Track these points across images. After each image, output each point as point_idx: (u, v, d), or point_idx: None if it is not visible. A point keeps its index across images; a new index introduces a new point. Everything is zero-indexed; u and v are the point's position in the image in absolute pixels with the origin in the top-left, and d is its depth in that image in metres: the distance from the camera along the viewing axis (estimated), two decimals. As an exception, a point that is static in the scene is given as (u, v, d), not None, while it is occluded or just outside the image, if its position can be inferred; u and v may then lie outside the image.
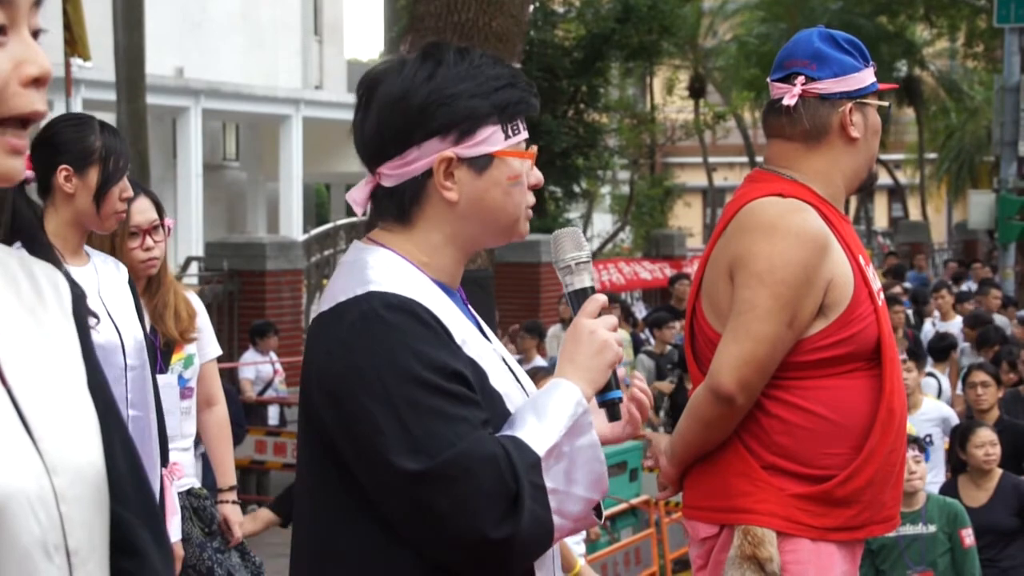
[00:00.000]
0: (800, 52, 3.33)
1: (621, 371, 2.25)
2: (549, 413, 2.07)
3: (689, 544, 3.42)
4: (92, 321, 3.51)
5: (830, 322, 3.19)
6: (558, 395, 2.10)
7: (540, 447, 2.03)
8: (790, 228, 3.17)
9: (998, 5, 18.44)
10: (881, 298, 3.29)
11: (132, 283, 3.97)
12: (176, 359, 4.49)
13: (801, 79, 3.31)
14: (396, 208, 2.17)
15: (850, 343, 3.19)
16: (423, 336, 2.04)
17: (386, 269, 2.12)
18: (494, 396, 2.11)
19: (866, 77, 3.32)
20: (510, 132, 2.16)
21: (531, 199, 2.21)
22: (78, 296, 1.69)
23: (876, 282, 3.32)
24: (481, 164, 2.14)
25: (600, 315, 2.21)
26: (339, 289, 2.11)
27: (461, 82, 2.13)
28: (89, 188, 3.72)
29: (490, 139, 2.14)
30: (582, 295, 2.25)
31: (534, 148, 2.23)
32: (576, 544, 6.06)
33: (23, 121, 1.51)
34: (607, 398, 2.21)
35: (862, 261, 3.26)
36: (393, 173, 2.16)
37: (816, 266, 3.16)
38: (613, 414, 2.22)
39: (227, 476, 4.86)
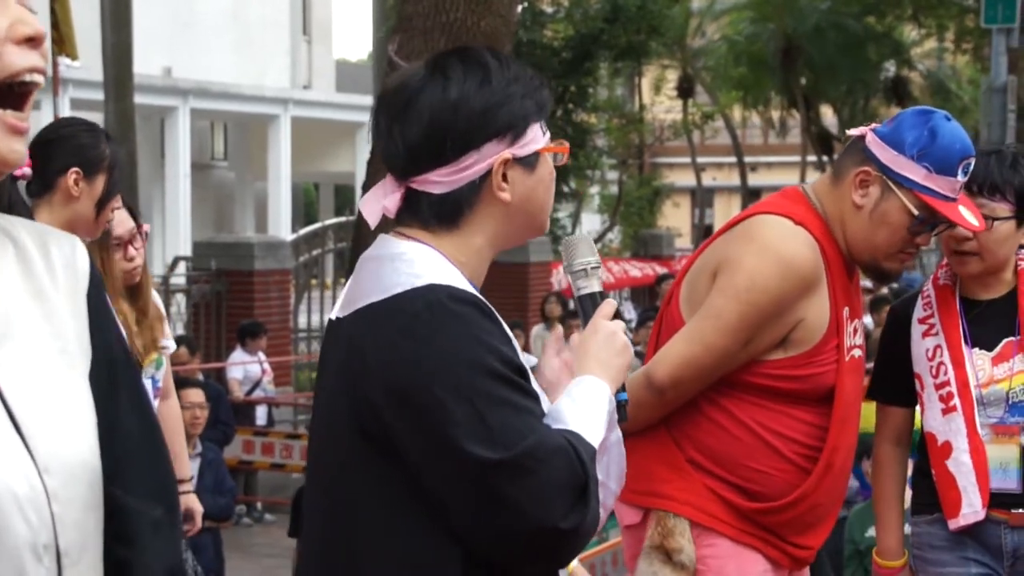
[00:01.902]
0: (903, 113, 3.31)
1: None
2: (591, 408, 2.12)
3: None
4: None
5: (788, 356, 3.20)
6: (594, 391, 2.15)
7: (594, 440, 2.08)
8: (783, 256, 3.16)
9: (985, 5, 18.44)
10: (852, 355, 3.27)
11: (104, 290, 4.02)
12: (148, 361, 4.50)
13: (875, 125, 3.32)
14: (447, 213, 2.17)
15: (803, 382, 3.20)
16: (489, 329, 2.07)
17: (433, 263, 2.13)
18: (535, 395, 2.13)
19: (910, 170, 3.20)
20: (543, 129, 2.22)
21: None
22: (95, 277, 1.68)
23: (854, 339, 3.29)
24: (531, 162, 2.20)
25: (613, 319, 2.27)
26: (390, 281, 2.10)
27: (511, 84, 2.18)
28: (94, 195, 3.78)
29: (536, 138, 2.20)
30: (594, 299, 2.30)
31: (564, 143, 2.28)
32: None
33: (20, 100, 1.54)
34: (620, 399, 2.24)
35: (846, 314, 3.24)
36: (446, 179, 2.16)
37: (792, 301, 3.16)
38: (621, 416, 2.24)
39: (184, 468, 4.95)
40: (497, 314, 2.14)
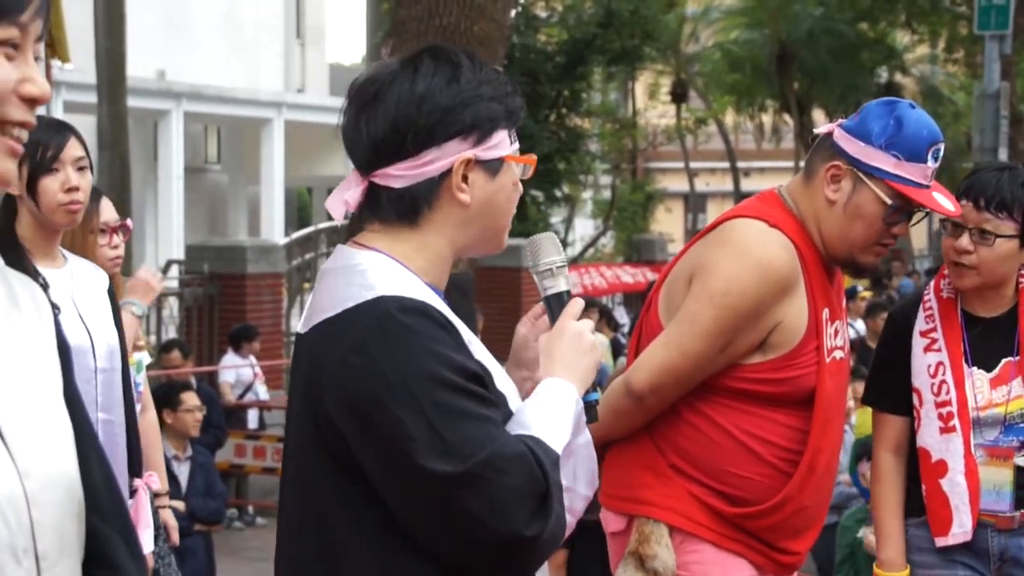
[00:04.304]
0: (868, 105, 3.29)
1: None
2: (556, 412, 2.10)
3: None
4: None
5: (767, 359, 3.18)
6: (559, 394, 2.13)
7: (557, 445, 2.06)
8: (759, 259, 3.14)
9: (978, 12, 18.49)
10: (834, 357, 3.25)
11: (112, 291, 3.90)
12: (129, 364, 4.48)
13: (841, 121, 3.29)
14: (405, 209, 2.16)
15: (783, 385, 3.18)
16: (441, 338, 2.04)
17: (386, 273, 2.11)
18: (499, 397, 2.11)
19: (880, 159, 3.17)
20: (512, 138, 2.20)
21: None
22: (56, 308, 1.72)
23: (835, 341, 3.26)
24: (494, 167, 2.17)
25: (580, 318, 2.23)
26: (342, 295, 2.08)
27: (481, 86, 2.16)
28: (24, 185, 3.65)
29: (501, 143, 2.18)
30: (560, 299, 2.25)
31: (533, 155, 2.26)
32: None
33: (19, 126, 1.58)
34: (588, 399, 2.21)
35: (825, 315, 3.22)
36: (406, 174, 2.14)
37: (769, 304, 3.14)
38: (591, 416, 2.22)
39: (162, 481, 4.86)
40: (454, 318, 2.11)
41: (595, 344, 2.21)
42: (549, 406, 2.11)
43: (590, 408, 2.22)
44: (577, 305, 2.24)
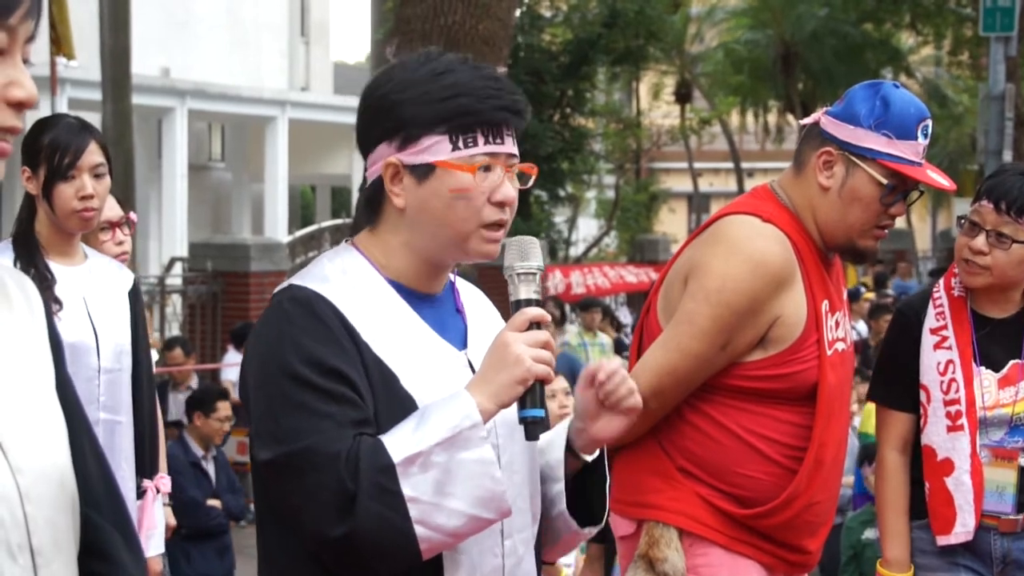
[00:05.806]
0: (852, 89, 3.27)
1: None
2: (429, 422, 2.01)
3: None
4: (54, 307, 3.52)
5: (768, 355, 3.15)
6: (449, 406, 2.02)
7: (398, 453, 1.98)
8: (752, 254, 3.12)
9: (983, 14, 18.48)
10: (836, 349, 3.22)
11: (136, 292, 3.93)
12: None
13: (826, 109, 3.28)
14: (364, 209, 2.21)
15: (785, 381, 3.16)
16: (310, 330, 2.04)
17: (333, 267, 2.15)
18: (403, 399, 2.08)
19: (870, 140, 3.15)
20: (461, 144, 2.11)
21: (489, 216, 2.14)
22: (59, 304, 1.72)
23: (836, 332, 3.23)
24: (421, 173, 2.12)
25: (530, 329, 2.09)
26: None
27: (412, 87, 2.12)
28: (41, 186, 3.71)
29: (433, 148, 2.11)
30: (517, 307, 2.13)
31: (490, 161, 2.12)
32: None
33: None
34: (524, 416, 2.08)
35: (824, 307, 3.20)
36: (367, 174, 2.20)
37: (765, 299, 3.11)
38: (529, 433, 2.10)
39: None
40: (359, 317, 2.08)
41: (519, 357, 2.04)
42: (427, 415, 2.02)
43: (529, 424, 2.08)
44: (521, 316, 2.09)
